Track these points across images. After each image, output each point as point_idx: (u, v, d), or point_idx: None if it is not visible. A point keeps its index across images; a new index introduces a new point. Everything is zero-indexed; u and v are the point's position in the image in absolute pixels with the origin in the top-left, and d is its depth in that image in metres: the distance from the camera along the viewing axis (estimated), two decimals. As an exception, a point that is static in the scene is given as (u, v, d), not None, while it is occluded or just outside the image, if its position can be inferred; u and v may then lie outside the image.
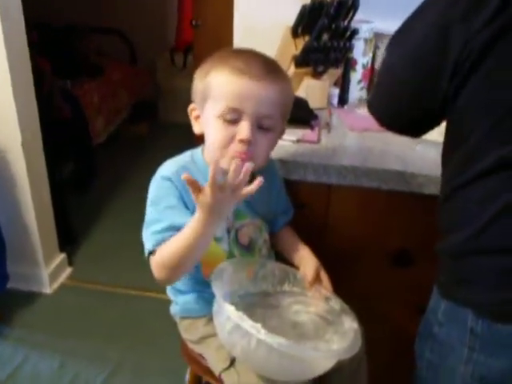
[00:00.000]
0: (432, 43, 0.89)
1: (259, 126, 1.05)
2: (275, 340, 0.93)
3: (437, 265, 1.03)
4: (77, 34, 4.10)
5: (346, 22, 1.55)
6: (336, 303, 1.20)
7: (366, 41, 1.73)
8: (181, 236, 1.00)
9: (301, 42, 1.59)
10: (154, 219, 1.08)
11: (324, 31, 1.56)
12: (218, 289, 1.02)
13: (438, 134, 1.41)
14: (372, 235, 1.41)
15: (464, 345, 0.97)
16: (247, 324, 0.94)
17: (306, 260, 1.23)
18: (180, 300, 1.23)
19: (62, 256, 2.70)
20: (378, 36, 1.77)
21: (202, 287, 1.17)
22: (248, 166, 0.92)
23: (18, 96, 2.22)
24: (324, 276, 1.22)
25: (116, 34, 4.39)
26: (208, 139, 1.09)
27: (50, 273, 2.56)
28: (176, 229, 1.04)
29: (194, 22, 3.56)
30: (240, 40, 1.94)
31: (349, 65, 1.72)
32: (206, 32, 3.14)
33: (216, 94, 1.04)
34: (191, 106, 1.13)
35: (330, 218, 1.41)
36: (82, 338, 2.28)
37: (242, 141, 1.03)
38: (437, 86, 0.91)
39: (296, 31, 1.60)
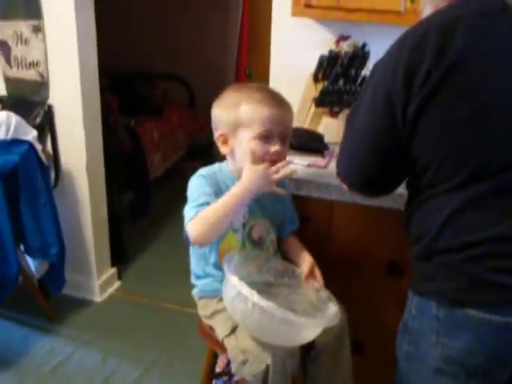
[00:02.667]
0: (380, 112, 1.10)
1: (281, 140, 1.39)
2: (266, 303, 1.20)
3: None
4: (143, 78, 4.57)
5: (358, 70, 1.83)
6: (324, 294, 1.44)
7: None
8: (221, 200, 1.32)
9: (320, 87, 1.89)
10: (193, 199, 1.36)
11: (340, 77, 1.85)
12: (227, 265, 1.31)
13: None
14: (367, 246, 1.64)
15: (432, 331, 1.14)
16: (245, 290, 1.21)
17: (304, 259, 1.50)
18: (199, 283, 1.51)
19: (112, 270, 3.03)
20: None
21: (217, 272, 1.44)
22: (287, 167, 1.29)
23: (87, 126, 2.60)
24: (317, 272, 1.47)
25: (178, 80, 4.83)
26: (240, 155, 1.39)
27: (100, 283, 2.89)
28: (209, 204, 1.34)
29: (247, 71, 3.95)
30: (275, 84, 2.25)
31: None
32: (258, 80, 3.46)
33: (249, 120, 1.34)
34: (219, 133, 1.41)
35: (332, 230, 1.66)
36: (123, 341, 2.57)
37: (277, 152, 1.37)
38: (392, 141, 1.12)
39: (317, 77, 1.90)
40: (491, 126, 1.02)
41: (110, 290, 2.98)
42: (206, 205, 1.33)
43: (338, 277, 1.63)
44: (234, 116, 1.35)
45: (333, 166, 1.70)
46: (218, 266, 1.42)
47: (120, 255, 3.20)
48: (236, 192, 1.32)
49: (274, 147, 1.36)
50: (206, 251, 1.43)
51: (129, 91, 4.16)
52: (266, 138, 1.35)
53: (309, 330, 1.30)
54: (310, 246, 1.58)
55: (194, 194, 1.38)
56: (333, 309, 1.37)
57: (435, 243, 1.11)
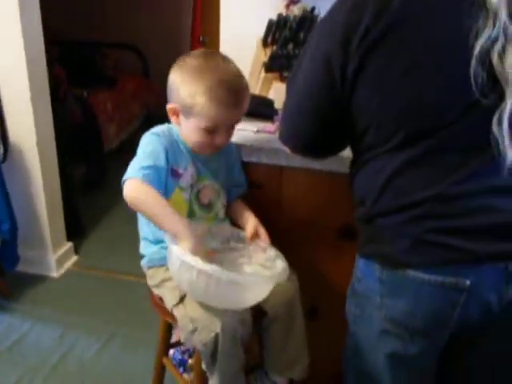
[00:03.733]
0: (319, 72, 1.09)
1: (228, 129, 1.39)
2: (211, 267, 1.19)
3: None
4: (95, 48, 4.46)
5: (307, 34, 1.81)
6: (271, 251, 1.45)
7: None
8: (164, 207, 1.29)
9: (270, 51, 1.87)
10: (142, 158, 1.35)
11: (289, 42, 1.83)
12: (168, 237, 1.29)
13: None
14: (319, 211, 1.65)
15: (376, 293, 1.15)
16: (188, 258, 1.20)
17: (248, 220, 1.50)
18: (148, 252, 1.49)
19: (68, 245, 2.99)
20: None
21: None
22: None
23: (35, 100, 2.53)
24: (262, 231, 1.47)
25: (131, 49, 4.73)
26: (188, 135, 1.39)
27: (56, 258, 2.85)
28: (157, 168, 1.33)
29: (201, 39, 3.88)
30: (225, 50, 2.22)
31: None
32: (213, 47, 3.40)
33: (201, 114, 1.32)
34: (172, 107, 1.38)
35: (282, 196, 1.65)
36: (81, 315, 2.55)
37: (219, 145, 1.39)
38: (332, 102, 1.11)
39: (266, 41, 1.87)
40: (423, 86, 1.02)
41: (67, 265, 2.94)
42: (152, 168, 1.32)
43: (291, 244, 1.63)
44: (190, 103, 1.33)
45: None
46: None
47: (76, 229, 3.16)
48: (174, 219, 1.29)
49: (219, 139, 1.38)
50: None
51: (80, 61, 4.05)
52: (212, 131, 1.36)
53: (258, 289, 1.30)
54: (261, 213, 1.57)
55: (143, 152, 1.36)
56: (281, 265, 1.37)
57: (376, 206, 1.12)
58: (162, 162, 1.36)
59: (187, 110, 1.34)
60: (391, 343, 1.18)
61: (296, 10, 1.95)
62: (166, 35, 4.91)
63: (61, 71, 3.26)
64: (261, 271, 1.42)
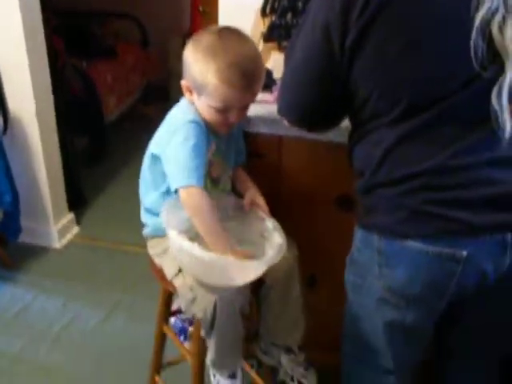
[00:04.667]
0: (318, 43, 1.09)
1: (242, 108, 1.37)
2: (208, 254, 1.23)
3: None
4: (94, 18, 4.41)
5: (305, 3, 1.79)
6: (270, 223, 1.46)
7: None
8: (213, 223, 1.29)
9: (268, 21, 1.85)
10: (189, 156, 1.30)
11: (287, 11, 1.81)
12: (165, 215, 1.32)
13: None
14: (318, 181, 1.65)
15: (375, 263, 1.17)
16: (185, 244, 1.24)
17: (247, 189, 1.51)
18: (151, 222, 1.50)
19: (70, 215, 3.01)
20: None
21: None
22: None
23: (34, 70, 2.53)
24: (261, 201, 1.48)
25: (131, 19, 4.68)
26: (202, 113, 1.37)
27: (58, 229, 2.87)
28: (203, 164, 1.32)
29: (200, 9, 3.83)
30: (224, 22, 2.20)
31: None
32: (213, 18, 3.35)
33: (213, 94, 1.31)
34: (185, 84, 1.37)
35: (282, 166, 1.66)
36: (84, 285, 2.59)
37: (232, 123, 1.38)
38: (331, 73, 1.11)
39: (264, 11, 1.86)
40: (424, 58, 1.02)
41: (69, 236, 2.96)
42: (201, 167, 1.31)
43: (290, 213, 1.65)
44: (201, 81, 1.31)
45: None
46: None
47: (77, 200, 3.17)
48: (222, 239, 1.31)
49: (232, 118, 1.36)
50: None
51: (79, 32, 4.02)
52: (224, 110, 1.34)
53: (255, 270, 1.32)
54: (261, 182, 1.58)
55: (189, 148, 1.31)
56: (278, 242, 1.38)
57: (375, 177, 1.13)
58: (204, 154, 1.34)
59: (199, 89, 1.33)
60: (389, 311, 1.20)
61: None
62: (165, 4, 4.85)
63: (59, 42, 3.23)
64: (260, 241, 1.43)
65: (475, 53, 0.96)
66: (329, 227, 1.72)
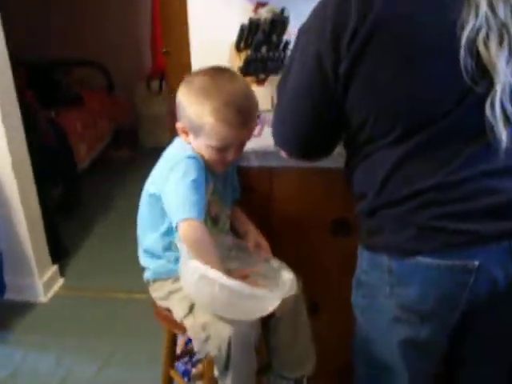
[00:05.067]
0: (311, 72, 1.11)
1: (239, 146, 1.39)
2: (234, 283, 1.23)
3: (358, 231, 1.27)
4: (58, 67, 4.41)
5: (279, 35, 1.83)
6: (275, 262, 1.47)
7: (301, 51, 2.02)
8: (212, 256, 1.30)
9: (244, 55, 1.88)
10: (188, 190, 1.29)
11: (262, 44, 1.85)
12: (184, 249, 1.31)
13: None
14: (311, 209, 1.66)
15: (385, 283, 1.17)
16: (211, 273, 1.23)
17: (248, 229, 1.52)
18: (152, 265, 1.48)
19: (54, 268, 2.94)
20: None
21: (174, 252, 1.41)
22: None
23: (7, 124, 2.49)
24: (263, 242, 1.49)
25: (94, 65, 4.69)
26: (202, 154, 1.37)
27: (43, 283, 2.80)
28: (203, 199, 1.32)
29: (163, 50, 3.85)
30: (197, 61, 2.23)
31: (288, 72, 2.00)
32: (175, 58, 3.36)
33: (210, 134, 1.32)
34: (181, 126, 1.38)
35: (274, 198, 1.67)
36: (75, 338, 2.51)
37: (229, 162, 1.40)
38: (325, 100, 1.12)
39: (239, 46, 1.89)
40: (416, 81, 1.04)
41: (55, 288, 2.89)
42: (201, 201, 1.31)
43: (285, 244, 1.65)
44: (198, 122, 1.32)
45: (266, 132, 1.72)
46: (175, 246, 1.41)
47: (59, 251, 3.10)
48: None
49: (230, 156, 1.38)
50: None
51: (45, 82, 4.00)
52: (223, 149, 1.36)
53: (271, 302, 1.31)
54: (254, 216, 1.59)
55: (189, 182, 1.31)
56: (288, 277, 1.39)
57: (379, 198, 1.14)
58: (204, 189, 1.34)
59: (195, 130, 1.34)
60: (403, 330, 1.21)
61: (264, 13, 1.96)
62: (127, 49, 4.89)
63: (29, 93, 3.21)
64: (265, 282, 1.44)
65: (465, 70, 1.00)
66: (325, 253, 1.72)
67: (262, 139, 1.66)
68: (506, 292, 1.13)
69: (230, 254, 1.49)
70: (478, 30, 0.99)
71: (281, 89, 1.23)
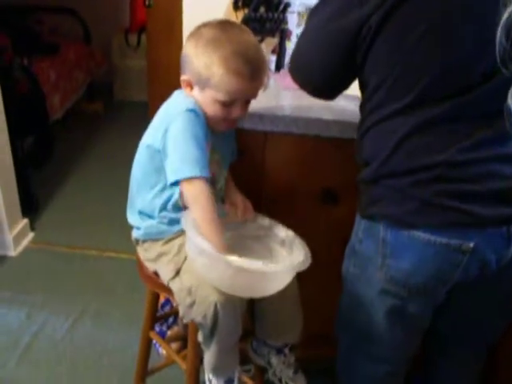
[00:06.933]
0: (351, 4, 1.07)
1: (245, 102, 1.34)
2: (253, 263, 1.21)
3: (357, 200, 1.26)
4: (31, 14, 4.22)
5: (279, -4, 1.77)
6: (263, 220, 1.46)
7: (299, 14, 1.97)
8: (212, 216, 1.26)
9: (241, 14, 1.81)
10: (190, 147, 1.25)
11: (260, 4, 1.78)
12: (188, 225, 1.26)
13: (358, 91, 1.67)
14: (302, 177, 1.64)
15: (378, 253, 1.18)
16: (224, 258, 1.20)
17: (233, 193, 1.50)
18: (144, 225, 1.42)
19: (24, 221, 2.86)
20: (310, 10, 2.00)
21: (169, 212, 1.37)
22: None
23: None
24: (247, 202, 1.48)
25: (70, 14, 4.50)
26: (204, 108, 1.32)
27: (13, 237, 2.73)
28: (205, 155, 1.28)
29: (146, 2, 3.71)
30: (189, 17, 2.15)
31: (284, 35, 1.95)
32: (159, 12, 3.24)
33: (218, 86, 1.27)
34: (185, 78, 1.32)
35: (266, 162, 1.63)
36: (46, 293, 2.47)
37: (235, 119, 1.35)
38: (351, 44, 1.08)
39: (236, 4, 1.82)
40: (443, 48, 1.02)
41: (24, 243, 2.83)
42: (203, 159, 1.27)
43: (274, 209, 1.62)
44: (205, 74, 1.27)
45: (262, 96, 1.67)
46: (175, 206, 1.36)
47: (30, 204, 3.02)
48: (218, 234, 1.27)
49: (235, 113, 1.33)
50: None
51: (18, 27, 3.82)
52: (229, 104, 1.31)
53: (281, 279, 1.30)
54: (244, 179, 1.56)
55: (190, 138, 1.26)
56: (287, 234, 1.42)
57: (385, 166, 1.12)
58: (204, 145, 1.29)
59: (203, 82, 1.29)
60: (390, 301, 1.22)
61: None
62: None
63: (4, 38, 3.06)
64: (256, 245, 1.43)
65: (499, 49, 0.96)
66: (312, 221, 1.71)
67: (258, 101, 1.62)
68: (495, 276, 1.16)
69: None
70: None
71: (312, 14, 1.19)
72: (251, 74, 1.27)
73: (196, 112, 1.29)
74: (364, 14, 1.04)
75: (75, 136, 4.14)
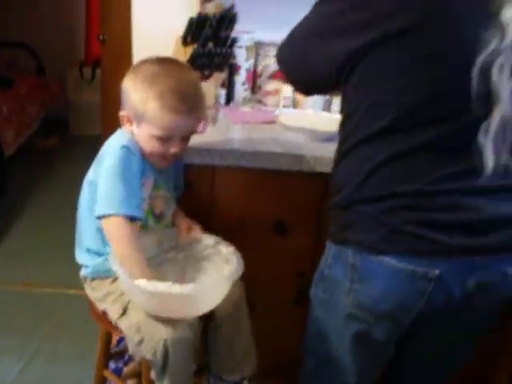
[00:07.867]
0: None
1: (183, 139, 1.35)
2: (178, 289, 1.21)
3: (311, 232, 1.27)
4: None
5: (227, 32, 1.80)
6: (209, 239, 1.48)
7: (247, 48, 2.01)
8: (134, 252, 1.27)
9: (190, 50, 1.84)
10: (118, 184, 1.26)
11: (209, 40, 1.81)
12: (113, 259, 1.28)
13: (308, 124, 1.71)
14: (252, 209, 1.66)
15: (347, 278, 1.18)
16: (141, 283, 1.21)
17: (179, 218, 1.52)
18: (92, 263, 1.42)
19: (-26, 259, 2.78)
20: (258, 45, 2.05)
21: None
22: None
23: None
24: (191, 223, 1.50)
25: (24, 47, 4.49)
26: (142, 144, 1.33)
27: (-37, 276, 2.65)
28: (135, 194, 1.28)
29: (100, 37, 3.72)
30: (138, 51, 2.16)
31: (233, 69, 1.98)
32: (112, 47, 3.25)
33: (153, 122, 1.28)
34: (124, 114, 1.34)
35: (215, 195, 1.65)
36: (-2, 334, 2.39)
37: (174, 154, 1.34)
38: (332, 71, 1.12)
39: (185, 40, 1.84)
40: (424, 77, 1.04)
41: (-26, 281, 2.74)
42: (131, 197, 1.27)
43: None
44: (141, 109, 1.29)
45: (211, 131, 1.70)
46: None
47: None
48: (142, 270, 1.28)
49: (173, 149, 1.33)
50: None
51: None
52: (166, 140, 1.32)
53: (217, 291, 1.32)
54: (193, 212, 1.56)
55: (119, 173, 1.27)
56: (228, 250, 1.44)
57: (358, 192, 1.14)
58: (138, 183, 1.30)
59: (139, 117, 1.30)
60: (356, 326, 1.23)
61: (211, 8, 1.93)
62: (59, 32, 4.71)
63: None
64: (201, 263, 1.46)
65: (474, 87, 1.00)
66: (265, 252, 1.72)
67: (207, 136, 1.64)
68: (457, 308, 1.17)
69: (177, 245, 1.49)
70: (498, 54, 0.99)
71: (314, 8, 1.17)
72: (187, 110, 1.29)
73: (129, 149, 1.30)
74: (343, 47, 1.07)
75: (29, 172, 4.07)
